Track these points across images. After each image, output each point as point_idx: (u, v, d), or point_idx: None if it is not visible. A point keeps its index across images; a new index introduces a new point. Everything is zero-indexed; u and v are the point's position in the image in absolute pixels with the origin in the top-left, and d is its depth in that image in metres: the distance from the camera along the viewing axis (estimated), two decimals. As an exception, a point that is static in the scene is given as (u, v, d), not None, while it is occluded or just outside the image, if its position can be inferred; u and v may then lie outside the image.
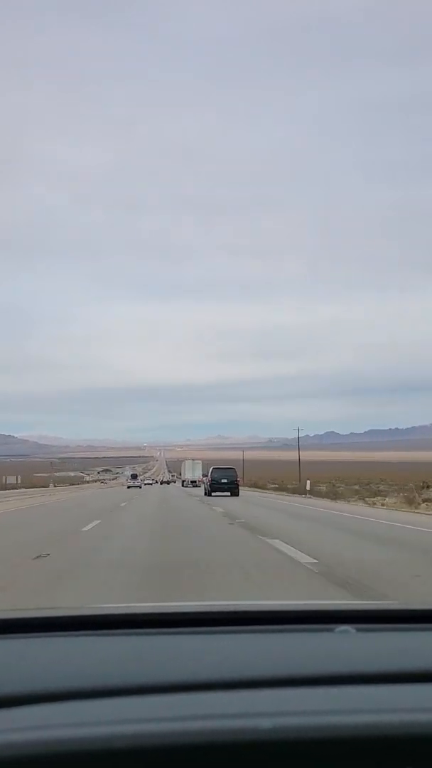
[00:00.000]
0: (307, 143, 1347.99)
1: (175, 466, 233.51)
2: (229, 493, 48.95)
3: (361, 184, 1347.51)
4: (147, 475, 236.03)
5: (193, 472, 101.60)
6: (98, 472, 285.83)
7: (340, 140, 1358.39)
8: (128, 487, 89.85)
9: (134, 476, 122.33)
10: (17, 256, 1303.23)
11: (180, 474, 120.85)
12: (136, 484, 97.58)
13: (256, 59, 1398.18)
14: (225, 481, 50.23)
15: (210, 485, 50.70)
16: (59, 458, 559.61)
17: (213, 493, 48.86)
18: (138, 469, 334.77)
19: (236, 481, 51.13)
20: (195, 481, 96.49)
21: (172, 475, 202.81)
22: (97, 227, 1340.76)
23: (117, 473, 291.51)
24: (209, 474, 52.32)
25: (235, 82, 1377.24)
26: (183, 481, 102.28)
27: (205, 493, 51.20)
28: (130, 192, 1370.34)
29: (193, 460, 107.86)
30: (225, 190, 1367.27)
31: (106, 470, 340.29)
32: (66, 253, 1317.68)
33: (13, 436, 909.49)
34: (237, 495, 48.74)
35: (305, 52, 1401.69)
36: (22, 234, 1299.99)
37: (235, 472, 52.62)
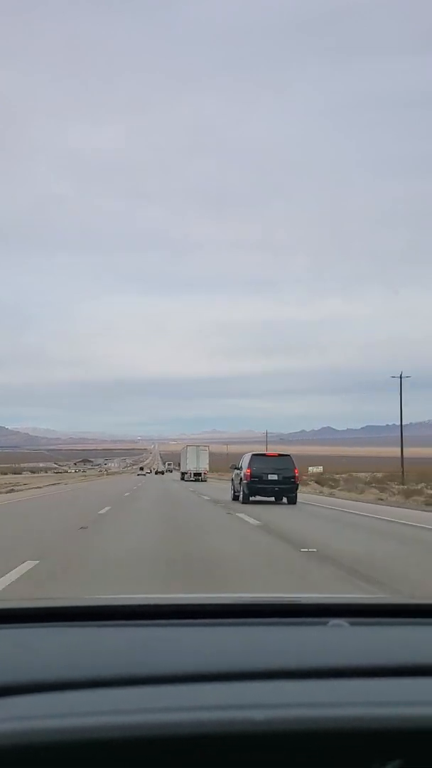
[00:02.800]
0: (316, 136, 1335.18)
1: (171, 459, 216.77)
2: (273, 498, 29.95)
3: (368, 179, 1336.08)
4: (136, 467, 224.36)
5: (197, 461, 77.39)
6: (74, 464, 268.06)
7: (349, 134, 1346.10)
8: (138, 474, 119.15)
9: (141, 468, 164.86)
10: (13, 247, 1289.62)
11: (179, 465, 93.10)
12: (143, 473, 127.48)
13: (268, 50, 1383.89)
14: (275, 477, 29.60)
15: (248, 485, 29.51)
16: (48, 450, 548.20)
17: (253, 498, 29.38)
18: (128, 461, 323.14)
19: (294, 477, 30.10)
20: (200, 474, 75.21)
21: (168, 464, 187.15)
22: (97, 218, 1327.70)
23: (98, 464, 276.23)
24: (246, 465, 30.30)
25: (243, 73, 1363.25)
26: (183, 474, 78.93)
27: (238, 498, 30.58)
28: (132, 184, 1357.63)
29: (197, 446, 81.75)
30: (230, 184, 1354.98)
31: (85, 461, 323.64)
32: (64, 245, 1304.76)
33: (5, 428, 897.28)
34: (294, 502, 29.40)
35: (316, 45, 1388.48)
36: (18, 225, 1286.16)
37: (292, 461, 30.80)
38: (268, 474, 29.69)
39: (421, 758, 1.16)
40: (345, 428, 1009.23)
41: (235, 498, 31.23)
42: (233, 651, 1.56)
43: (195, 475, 75.26)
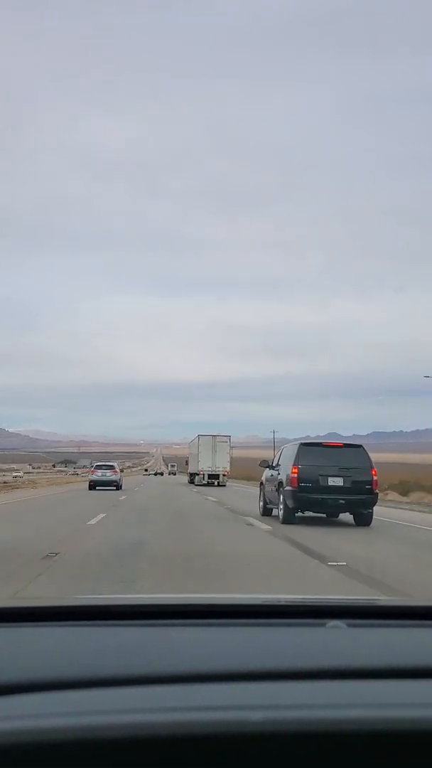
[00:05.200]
0: (324, 135, 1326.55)
1: (173, 463, 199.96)
2: (325, 515, 19.77)
3: (378, 182, 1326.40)
4: (135, 469, 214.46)
5: (214, 458, 54.30)
6: (53, 465, 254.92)
7: (356, 133, 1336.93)
8: (143, 474, 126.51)
9: (146, 470, 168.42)
10: (17, 246, 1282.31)
11: (187, 464, 67.26)
12: (150, 474, 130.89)
13: (280, 47, 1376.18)
14: (338, 482, 18.31)
15: (295, 494, 18.20)
16: (47, 452, 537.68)
17: (300, 514, 18.95)
18: (127, 464, 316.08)
19: (370, 482, 18.58)
20: (217, 476, 53.60)
21: (172, 465, 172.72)
22: (99, 218, 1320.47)
23: (83, 465, 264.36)
24: (291, 461, 18.76)
25: (250, 71, 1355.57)
26: (193, 475, 56.79)
27: (270, 512, 20.51)
28: (141, 182, 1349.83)
29: (214, 436, 56.39)
30: (233, 183, 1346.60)
31: (65, 462, 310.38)
32: (69, 244, 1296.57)
33: (6, 430, 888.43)
34: (368, 523, 18.55)
35: (331, 42, 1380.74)
36: (23, 222, 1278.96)
37: (366, 456, 19.24)
38: (328, 476, 18.28)
39: (418, 760, 1.16)
40: (351, 434, 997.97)
41: (266, 512, 20.70)
42: (231, 651, 1.56)
43: (210, 477, 53.53)
